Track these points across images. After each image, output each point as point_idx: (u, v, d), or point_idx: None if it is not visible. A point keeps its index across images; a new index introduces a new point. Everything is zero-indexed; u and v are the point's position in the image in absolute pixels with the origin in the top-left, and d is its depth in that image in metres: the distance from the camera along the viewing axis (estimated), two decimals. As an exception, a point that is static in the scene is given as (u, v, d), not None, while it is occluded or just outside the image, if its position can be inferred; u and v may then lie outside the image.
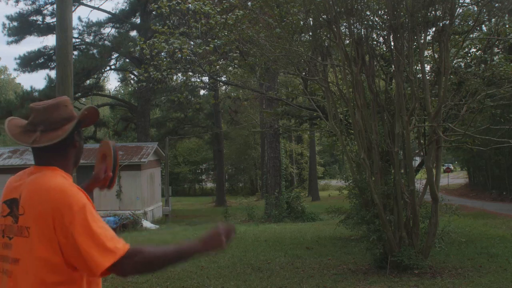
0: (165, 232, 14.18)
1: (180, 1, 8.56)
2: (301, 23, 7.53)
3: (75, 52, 26.14)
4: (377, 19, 7.00)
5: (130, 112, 30.48)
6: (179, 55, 9.22)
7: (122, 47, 23.26)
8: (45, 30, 26.52)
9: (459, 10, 7.02)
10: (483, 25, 8.30)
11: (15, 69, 55.96)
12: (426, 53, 7.51)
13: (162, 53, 10.02)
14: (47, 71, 28.02)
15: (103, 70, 28.02)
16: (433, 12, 6.36)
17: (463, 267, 6.96)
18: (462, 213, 11.44)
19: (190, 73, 10.34)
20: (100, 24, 27.42)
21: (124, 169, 19.46)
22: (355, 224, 7.39)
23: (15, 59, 38.91)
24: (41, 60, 26.78)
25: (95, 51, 26.20)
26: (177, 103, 26.89)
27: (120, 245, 1.52)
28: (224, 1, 8.94)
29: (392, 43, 6.50)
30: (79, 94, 26.69)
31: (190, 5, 8.47)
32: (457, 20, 7.11)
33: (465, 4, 7.46)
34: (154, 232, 14.73)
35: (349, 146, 8.29)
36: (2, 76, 52.15)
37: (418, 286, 5.95)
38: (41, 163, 1.66)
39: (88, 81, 27.62)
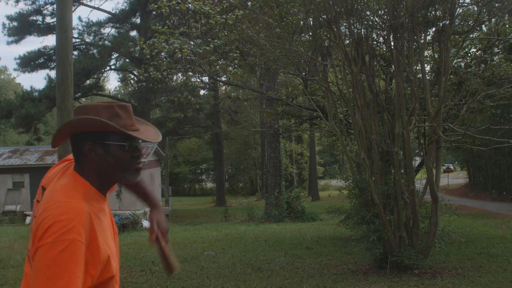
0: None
1: (180, 1, 8.56)
2: (301, 23, 7.53)
3: (75, 52, 26.15)
4: (377, 19, 7.00)
5: (130, 112, 30.41)
6: (179, 55, 9.22)
7: (122, 47, 23.24)
8: (45, 30, 26.52)
9: (459, 10, 7.02)
10: (483, 25, 8.30)
11: (15, 69, 56.12)
12: (426, 53, 7.50)
13: (162, 53, 10.02)
14: (47, 71, 28.04)
15: (103, 70, 28.01)
16: (433, 12, 6.36)
17: (463, 267, 6.96)
18: (462, 213, 11.45)
19: (190, 73, 10.35)
20: (100, 24, 27.42)
21: (124, 169, 19.43)
22: (355, 224, 7.39)
23: (15, 59, 39.02)
24: (41, 60, 26.78)
25: (95, 51, 26.20)
26: (177, 103, 26.92)
27: None
28: (224, 1, 8.94)
29: (392, 43, 6.50)
30: (79, 94, 26.70)
31: (190, 5, 8.47)
32: (457, 20, 7.11)
33: (465, 4, 7.46)
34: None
35: (349, 146, 8.29)
36: (2, 76, 52.14)
37: (418, 286, 5.95)
38: (73, 159, 1.57)
39: (88, 81, 27.63)
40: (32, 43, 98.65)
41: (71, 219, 1.36)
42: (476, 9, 7.25)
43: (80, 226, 1.36)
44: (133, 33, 28.28)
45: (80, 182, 1.50)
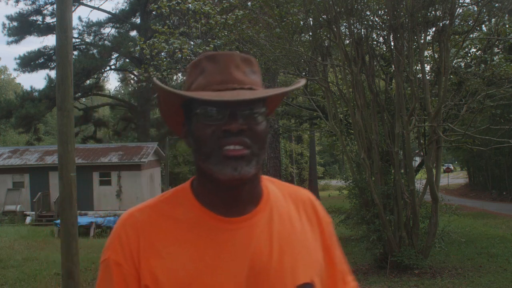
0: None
1: (180, 1, 8.56)
2: (301, 23, 7.53)
3: (75, 52, 26.16)
4: (377, 19, 7.00)
5: (130, 112, 30.47)
6: (179, 55, 9.21)
7: (122, 47, 23.25)
8: (45, 30, 26.54)
9: (459, 10, 7.02)
10: (483, 25, 8.30)
11: (15, 69, 56.20)
12: (426, 53, 7.50)
13: (162, 53, 10.01)
14: (47, 71, 28.05)
15: (103, 70, 28.04)
16: (433, 12, 6.36)
17: (463, 267, 6.96)
18: (462, 213, 11.44)
19: (190, 73, 10.31)
20: (100, 24, 27.44)
21: (124, 169, 19.48)
22: (355, 224, 7.40)
23: (15, 59, 39.04)
24: (41, 60, 26.80)
25: (95, 51, 26.22)
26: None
27: None
28: (224, 1, 8.93)
29: (392, 43, 6.50)
30: (79, 94, 26.71)
31: (190, 5, 8.46)
32: (457, 20, 7.10)
33: (465, 4, 7.46)
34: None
35: (349, 146, 8.29)
36: (2, 76, 52.14)
37: (418, 286, 5.95)
38: None
39: (88, 81, 27.64)
40: (32, 43, 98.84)
41: (112, 234, 1.08)
42: (476, 9, 7.25)
43: (117, 240, 1.04)
44: (133, 33, 28.30)
45: (178, 188, 1.08)
